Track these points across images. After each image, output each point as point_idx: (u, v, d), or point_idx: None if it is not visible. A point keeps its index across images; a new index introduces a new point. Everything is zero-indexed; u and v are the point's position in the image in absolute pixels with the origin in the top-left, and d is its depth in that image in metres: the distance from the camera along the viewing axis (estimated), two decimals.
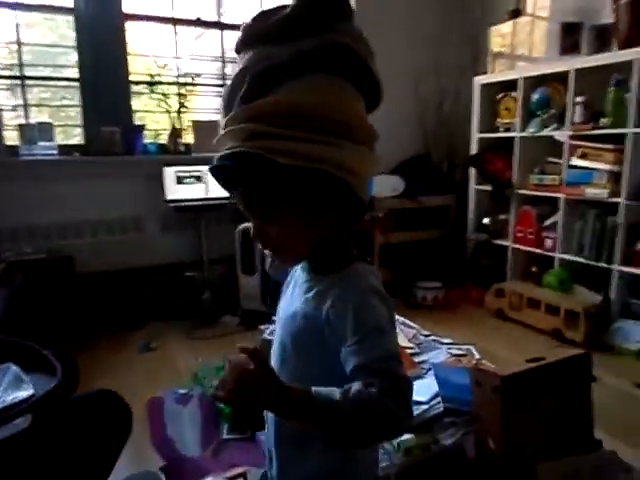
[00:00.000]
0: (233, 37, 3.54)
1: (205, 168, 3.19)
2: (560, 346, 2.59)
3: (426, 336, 2.10)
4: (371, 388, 0.63)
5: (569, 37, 2.82)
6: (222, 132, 0.72)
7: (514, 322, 2.99)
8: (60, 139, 3.09)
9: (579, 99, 2.76)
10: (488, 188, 3.37)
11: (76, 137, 3.24)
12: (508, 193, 3.25)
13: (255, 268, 3.14)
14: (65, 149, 3.02)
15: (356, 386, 0.64)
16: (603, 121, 2.68)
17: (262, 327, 2.02)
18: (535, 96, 3.03)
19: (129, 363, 2.51)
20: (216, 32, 3.50)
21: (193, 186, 3.16)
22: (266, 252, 0.80)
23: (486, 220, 3.47)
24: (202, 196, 3.15)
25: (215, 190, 3.18)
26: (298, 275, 0.84)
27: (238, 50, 0.74)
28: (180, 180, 3.14)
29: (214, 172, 0.74)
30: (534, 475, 1.24)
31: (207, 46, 3.57)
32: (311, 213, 0.72)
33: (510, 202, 3.27)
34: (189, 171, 3.15)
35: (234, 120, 0.70)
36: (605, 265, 2.74)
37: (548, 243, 3.05)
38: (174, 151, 3.24)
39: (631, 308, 2.72)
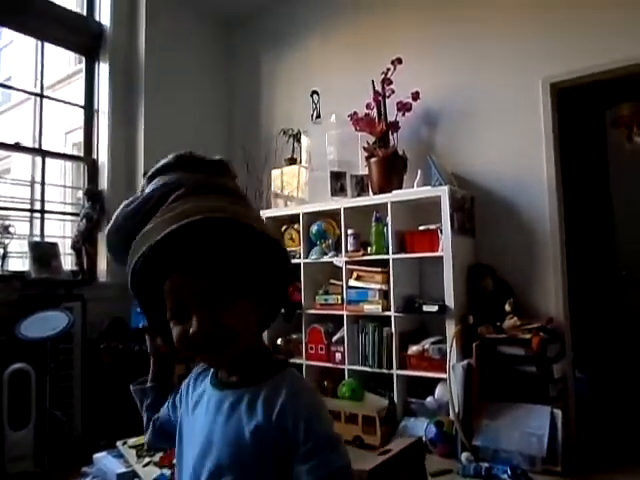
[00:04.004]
0: None
1: None
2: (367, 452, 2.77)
3: None
4: None
5: (337, 182, 3.46)
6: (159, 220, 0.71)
7: None
8: None
9: (350, 231, 3.33)
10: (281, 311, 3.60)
11: None
12: (298, 313, 3.54)
13: (29, 419, 2.59)
14: None
15: None
16: (370, 249, 3.27)
17: None
18: (314, 228, 3.53)
19: None
20: None
21: None
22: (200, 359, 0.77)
23: (279, 341, 3.65)
24: None
25: None
26: (216, 400, 0.76)
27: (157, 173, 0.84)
28: None
29: (165, 243, 0.68)
30: None
31: None
32: (258, 296, 0.75)
33: (301, 322, 3.56)
34: None
35: (182, 211, 0.71)
36: (386, 371, 3.16)
37: (337, 357, 3.37)
38: None
39: (410, 406, 3.13)
